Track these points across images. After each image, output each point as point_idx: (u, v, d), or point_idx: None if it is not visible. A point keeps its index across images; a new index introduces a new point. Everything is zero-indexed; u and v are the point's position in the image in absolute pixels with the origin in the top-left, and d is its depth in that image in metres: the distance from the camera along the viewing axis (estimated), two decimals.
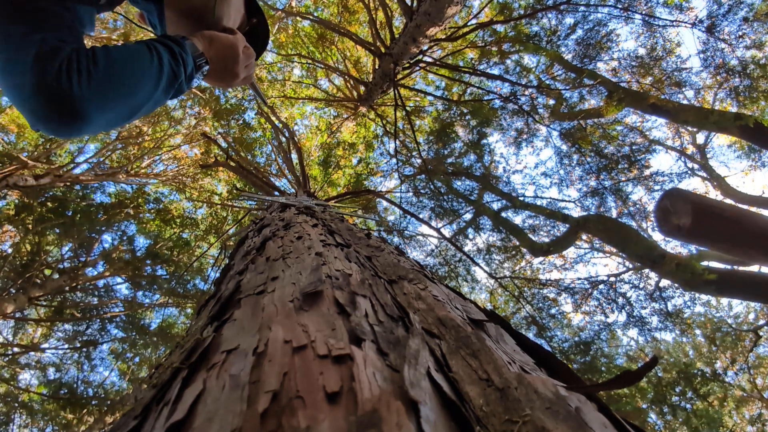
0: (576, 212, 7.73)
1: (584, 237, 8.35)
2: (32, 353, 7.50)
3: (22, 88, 0.58)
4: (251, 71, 1.00)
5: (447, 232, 8.23)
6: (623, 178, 7.21)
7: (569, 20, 6.66)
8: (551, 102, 7.49)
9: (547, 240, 7.84)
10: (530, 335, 7.13)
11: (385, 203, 8.75)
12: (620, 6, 6.05)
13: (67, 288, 7.50)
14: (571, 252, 8.56)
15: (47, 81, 0.56)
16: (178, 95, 0.78)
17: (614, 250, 7.93)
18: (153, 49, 0.69)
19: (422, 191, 8.10)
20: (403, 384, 0.48)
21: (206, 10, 0.94)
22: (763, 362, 9.12)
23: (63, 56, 0.59)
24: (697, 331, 8.82)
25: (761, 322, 8.47)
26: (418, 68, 5.93)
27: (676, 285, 6.49)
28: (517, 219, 8.17)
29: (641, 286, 7.36)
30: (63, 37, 0.63)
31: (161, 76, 0.69)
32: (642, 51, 7.08)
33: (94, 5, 0.75)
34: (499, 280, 7.59)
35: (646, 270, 7.26)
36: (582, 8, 6.20)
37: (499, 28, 6.92)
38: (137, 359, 8.14)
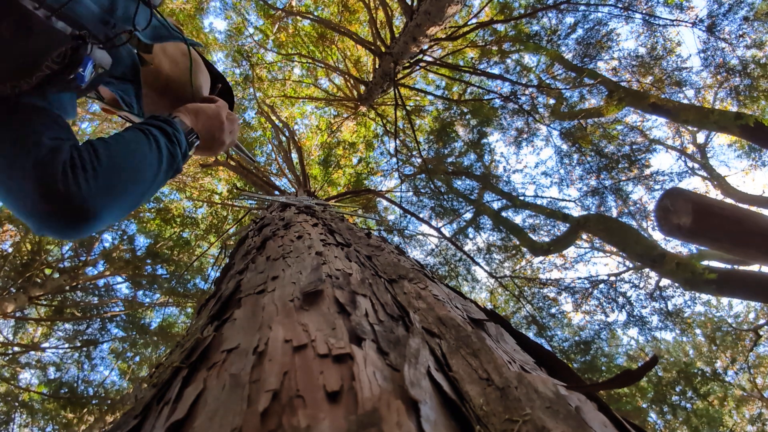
0: (576, 212, 7.73)
1: (584, 236, 8.35)
2: (32, 352, 7.51)
3: (25, 198, 0.55)
4: (235, 136, 1.00)
5: (447, 231, 8.24)
6: (623, 178, 7.20)
7: (569, 19, 6.67)
8: (551, 101, 7.49)
9: (547, 239, 7.84)
10: (530, 335, 7.12)
11: (385, 203, 8.76)
12: (620, 5, 6.05)
13: (67, 287, 7.51)
14: (571, 251, 8.57)
15: (52, 187, 0.54)
16: (176, 175, 0.77)
17: (614, 250, 7.93)
18: (149, 135, 0.69)
19: (422, 190, 8.10)
20: (404, 383, 0.48)
21: (184, 83, 0.94)
22: (764, 362, 9.12)
23: (64, 156, 0.57)
24: (698, 331, 8.82)
25: (761, 321, 8.47)
26: (418, 68, 5.93)
27: (677, 284, 6.49)
28: (518, 218, 8.17)
29: (641, 285, 7.36)
30: (57, 135, 0.61)
31: (161, 160, 0.69)
32: (642, 50, 7.07)
33: (74, 91, 0.73)
34: (499, 279, 7.59)
35: (647, 269, 7.26)
36: (582, 7, 6.19)
37: (500, 27, 6.92)
38: (137, 358, 8.15)
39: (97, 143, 0.62)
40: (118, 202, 0.61)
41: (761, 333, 7.84)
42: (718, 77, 6.45)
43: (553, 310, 7.57)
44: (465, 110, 7.63)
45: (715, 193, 9.18)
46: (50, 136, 0.60)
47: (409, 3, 4.60)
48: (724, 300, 8.90)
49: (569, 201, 7.85)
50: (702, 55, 6.29)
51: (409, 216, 7.83)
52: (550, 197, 8.11)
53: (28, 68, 0.59)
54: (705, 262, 6.20)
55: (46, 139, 0.59)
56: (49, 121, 0.64)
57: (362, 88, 6.54)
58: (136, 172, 0.64)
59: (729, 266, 6.18)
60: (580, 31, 6.67)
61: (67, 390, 7.12)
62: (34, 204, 0.55)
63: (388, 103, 7.64)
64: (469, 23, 6.01)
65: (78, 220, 0.56)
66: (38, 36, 0.58)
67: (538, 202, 8.10)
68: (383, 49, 5.37)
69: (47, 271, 7.41)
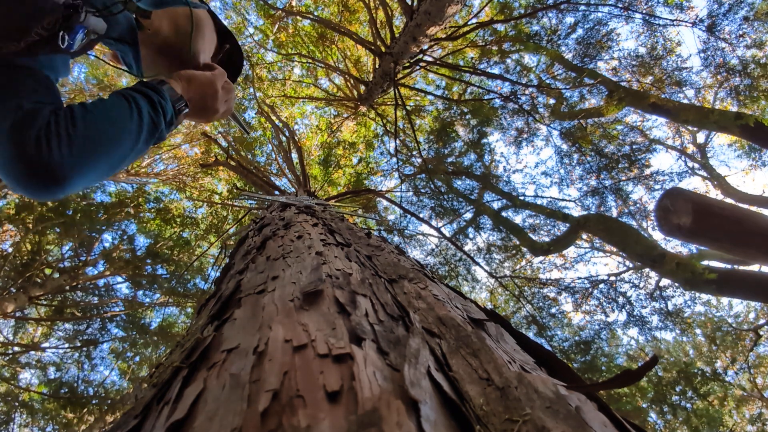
0: (576, 211, 7.73)
1: (584, 236, 8.35)
2: (33, 352, 7.51)
3: (1, 157, 0.57)
4: (231, 105, 1.00)
5: (447, 231, 8.24)
6: (623, 178, 7.20)
7: (570, 19, 6.66)
8: (551, 101, 7.49)
9: (547, 239, 7.84)
10: (530, 334, 7.13)
11: (385, 202, 8.76)
12: (620, 5, 6.05)
13: (67, 287, 7.51)
14: (571, 251, 8.56)
15: (26, 150, 0.55)
16: (159, 142, 0.77)
17: (614, 250, 7.93)
18: (132, 102, 0.68)
19: (422, 190, 8.10)
20: (404, 383, 0.48)
21: (182, 47, 0.94)
22: (764, 361, 9.12)
23: (41, 121, 0.58)
24: (698, 331, 8.82)
25: (761, 321, 8.47)
26: (418, 67, 5.93)
27: (677, 284, 6.49)
28: (518, 218, 8.17)
29: (641, 285, 7.36)
30: (39, 99, 0.62)
31: (141, 128, 0.68)
32: (642, 50, 7.07)
33: (67, 53, 0.73)
34: (499, 279, 7.59)
35: (647, 269, 7.26)
36: (582, 7, 6.19)
37: (500, 27, 6.92)
38: (138, 358, 8.15)
39: (77, 109, 0.63)
40: (92, 168, 0.62)
41: (761, 333, 7.84)
42: (718, 77, 6.45)
43: (553, 310, 7.58)
44: (465, 110, 7.63)
45: (715, 193, 9.19)
46: (32, 99, 0.61)
47: (409, 3, 4.60)
48: (724, 300, 8.90)
49: (569, 201, 7.85)
50: (702, 55, 6.29)
51: (409, 216, 7.83)
52: (550, 197, 8.11)
53: (16, 34, 0.60)
54: (705, 262, 6.20)
55: (26, 103, 0.60)
56: (33, 83, 0.65)
57: (362, 88, 6.53)
58: (113, 140, 0.64)
59: (729, 266, 6.18)
60: (580, 31, 6.67)
61: (67, 390, 7.12)
62: (8, 164, 0.57)
63: (388, 103, 7.64)
64: (469, 23, 6.01)
65: (49, 183, 0.58)
66: (29, 3, 0.59)
67: (538, 202, 8.10)
68: (383, 49, 5.37)
69: (47, 271, 7.41)
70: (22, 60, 0.65)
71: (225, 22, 1.12)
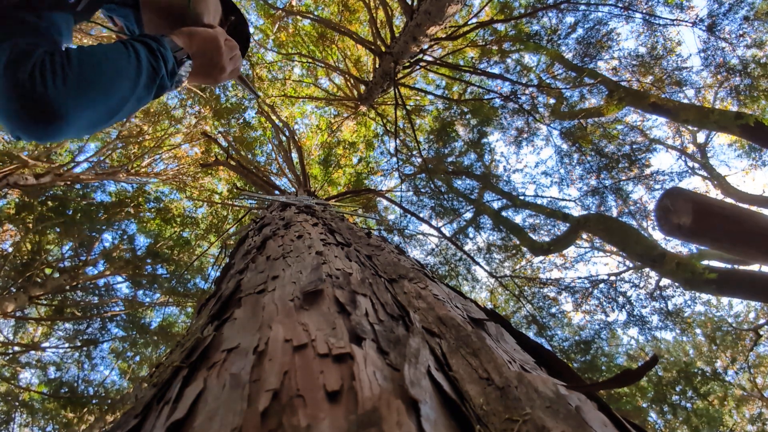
0: (576, 211, 7.74)
1: (584, 236, 8.35)
2: (33, 352, 7.51)
3: None
4: (237, 64, 0.98)
5: (447, 231, 8.24)
6: (624, 177, 7.20)
7: (570, 19, 6.67)
8: (552, 101, 7.49)
9: (547, 239, 7.84)
10: (530, 334, 7.13)
11: (385, 202, 8.76)
12: (621, 5, 6.05)
13: (67, 287, 7.51)
14: (571, 251, 8.57)
15: (20, 84, 0.55)
16: (162, 92, 0.76)
17: (614, 249, 7.93)
18: (129, 46, 0.68)
19: (422, 190, 8.10)
20: (404, 383, 0.48)
21: (183, 8, 0.93)
22: (764, 361, 9.12)
23: (35, 58, 0.57)
24: (698, 330, 8.82)
25: (761, 321, 8.47)
26: (418, 67, 5.93)
27: (677, 284, 6.49)
28: (518, 218, 8.18)
29: (641, 285, 7.36)
30: (35, 42, 0.62)
31: (140, 71, 0.67)
32: (642, 50, 7.07)
33: (70, 12, 0.73)
34: (499, 279, 7.59)
35: (647, 269, 7.26)
36: (582, 7, 6.19)
37: (500, 27, 6.92)
38: (138, 358, 8.15)
39: (72, 50, 0.62)
40: (88, 107, 0.61)
41: (761, 333, 7.84)
42: (719, 77, 6.45)
43: (553, 310, 7.58)
44: (465, 110, 7.63)
45: (715, 193, 9.19)
46: (29, 41, 0.61)
47: (409, 2, 4.60)
48: (724, 300, 8.91)
49: (569, 201, 7.85)
50: (702, 54, 6.30)
51: (409, 216, 7.83)
52: (550, 197, 8.10)
53: None
54: (705, 262, 6.20)
55: (23, 43, 0.59)
56: (32, 31, 0.64)
57: (362, 87, 6.53)
58: (109, 79, 0.63)
59: (729, 266, 6.18)
60: (580, 31, 6.68)
61: (67, 389, 7.12)
62: (4, 103, 0.56)
63: (389, 102, 7.64)
64: (469, 23, 6.00)
65: (45, 120, 0.57)
66: None
67: (538, 201, 8.10)
68: (383, 48, 5.37)
69: (47, 271, 7.41)
70: (25, 15, 0.64)
71: None
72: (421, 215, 7.92)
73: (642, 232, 6.83)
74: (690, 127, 8.58)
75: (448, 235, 7.88)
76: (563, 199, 7.87)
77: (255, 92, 1.26)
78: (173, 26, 0.93)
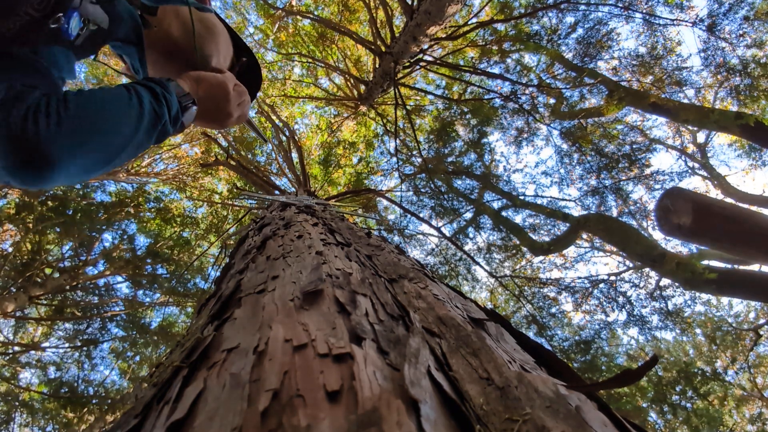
0: (576, 211, 7.74)
1: (584, 236, 8.35)
2: (33, 352, 7.51)
3: None
4: (245, 110, 0.96)
5: (447, 231, 8.24)
6: (624, 177, 7.20)
7: (570, 19, 6.67)
8: (552, 101, 7.49)
9: (547, 239, 7.84)
10: (530, 334, 7.13)
11: (385, 202, 8.76)
12: (621, 5, 6.05)
13: (67, 287, 7.51)
14: (571, 251, 8.57)
15: (12, 127, 0.52)
16: (163, 138, 0.74)
17: (614, 249, 7.93)
18: (132, 91, 0.66)
19: (423, 190, 8.10)
20: (404, 383, 0.48)
21: (190, 50, 0.90)
22: (764, 361, 9.12)
23: (31, 101, 0.55)
24: (698, 330, 8.82)
25: (761, 321, 8.47)
26: (418, 67, 5.93)
27: (677, 284, 6.50)
28: (518, 218, 8.18)
29: (641, 285, 7.37)
30: (32, 83, 0.60)
31: (141, 117, 0.65)
32: (642, 50, 7.07)
33: (69, 47, 0.71)
34: (499, 279, 7.59)
35: (647, 269, 7.26)
36: (582, 7, 6.19)
37: (500, 26, 6.92)
38: (138, 358, 8.15)
39: (70, 93, 0.60)
40: (82, 153, 0.59)
41: (761, 332, 7.85)
42: (719, 77, 6.45)
43: (553, 310, 7.58)
44: (465, 110, 7.63)
45: (715, 193, 9.19)
46: (25, 82, 0.59)
47: (410, 2, 4.60)
48: (724, 300, 8.91)
49: (569, 201, 7.85)
50: (702, 54, 6.30)
51: (409, 215, 7.83)
52: (550, 197, 8.10)
53: (4, 11, 0.58)
54: (705, 262, 6.20)
55: (18, 84, 0.57)
56: (31, 71, 0.63)
57: (362, 87, 6.54)
58: (107, 125, 0.61)
59: (729, 266, 6.18)
60: (580, 31, 6.68)
61: (67, 389, 7.12)
62: None
63: (389, 102, 7.64)
64: (469, 23, 6.01)
65: (36, 164, 0.55)
66: None
67: (538, 201, 8.10)
68: (383, 48, 5.37)
69: (47, 271, 7.41)
70: (23, 51, 0.63)
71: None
72: (421, 215, 7.92)
73: (642, 232, 6.83)
74: (690, 127, 8.58)
75: (448, 235, 7.88)
76: (563, 199, 7.88)
77: (262, 136, 1.23)
78: (179, 68, 0.91)
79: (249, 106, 0.99)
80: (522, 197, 8.03)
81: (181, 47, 0.91)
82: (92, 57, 0.85)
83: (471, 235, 8.19)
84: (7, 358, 7.31)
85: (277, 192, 6.13)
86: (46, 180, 0.57)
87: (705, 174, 9.30)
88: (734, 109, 6.36)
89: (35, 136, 0.53)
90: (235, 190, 8.31)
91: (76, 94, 0.61)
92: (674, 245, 7.21)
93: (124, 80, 0.85)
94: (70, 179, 0.61)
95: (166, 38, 0.89)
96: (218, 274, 1.76)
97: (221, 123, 0.91)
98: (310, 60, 7.55)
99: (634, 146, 7.26)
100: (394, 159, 7.28)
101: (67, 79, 0.73)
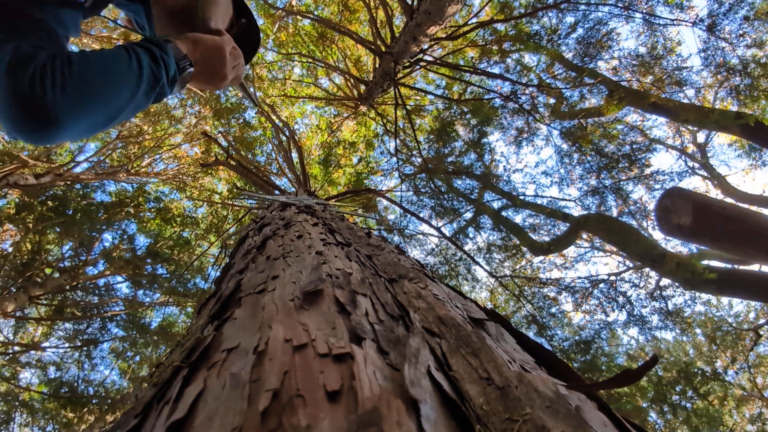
0: (576, 211, 7.74)
1: (585, 236, 8.35)
2: (33, 352, 7.51)
3: None
4: (239, 72, 0.98)
5: (447, 231, 8.24)
6: (624, 177, 7.20)
7: (570, 19, 6.66)
8: (552, 101, 7.49)
9: (547, 239, 7.84)
10: (530, 334, 7.13)
11: (385, 202, 8.76)
12: (621, 5, 6.05)
13: (67, 287, 7.51)
14: (571, 251, 8.57)
15: (20, 88, 0.55)
16: (161, 98, 0.76)
17: (615, 249, 7.93)
18: (132, 52, 0.68)
19: (423, 190, 8.10)
20: (404, 382, 0.48)
21: (192, 10, 0.92)
22: (764, 361, 9.12)
23: (38, 63, 0.57)
24: (698, 330, 8.82)
25: (762, 321, 8.47)
26: (418, 67, 5.93)
27: (677, 284, 6.49)
28: (518, 218, 8.18)
29: (641, 285, 7.37)
30: (39, 44, 0.62)
31: (141, 79, 0.68)
32: (642, 50, 7.07)
33: (78, 8, 0.73)
34: (499, 278, 7.59)
35: (647, 269, 7.26)
36: (582, 7, 6.19)
37: (500, 26, 6.92)
38: (138, 358, 8.15)
39: (74, 55, 0.62)
40: (86, 113, 0.61)
41: (761, 332, 7.85)
42: (719, 77, 6.45)
43: (553, 310, 7.58)
44: (465, 110, 7.63)
45: (715, 193, 9.19)
46: (33, 44, 0.61)
47: (410, 2, 4.59)
48: (724, 299, 8.91)
49: (569, 200, 7.85)
50: (702, 54, 6.29)
51: (409, 215, 7.83)
52: (550, 197, 8.10)
53: None
54: (705, 262, 6.20)
55: (26, 45, 0.60)
56: (37, 30, 0.65)
57: (362, 87, 6.53)
58: (109, 86, 0.63)
59: (729, 266, 6.18)
60: (580, 31, 6.67)
61: (67, 389, 7.12)
62: (3, 105, 0.57)
63: (389, 102, 7.64)
64: (469, 23, 6.00)
65: (41, 125, 0.58)
66: None
67: (539, 201, 8.10)
68: (383, 48, 5.37)
69: (47, 271, 7.41)
70: (30, 9, 0.65)
71: None
72: (421, 215, 7.92)
73: (642, 232, 6.83)
74: (690, 127, 8.58)
75: (448, 235, 7.88)
76: (563, 199, 7.87)
77: (254, 100, 1.25)
78: (181, 26, 0.93)
79: (243, 69, 1.01)
80: (522, 197, 8.03)
81: (182, 7, 0.92)
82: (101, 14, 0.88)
83: (471, 235, 8.19)
84: (7, 358, 7.31)
85: (277, 192, 6.13)
86: (52, 138, 0.60)
87: (705, 174, 9.31)
88: (734, 109, 6.35)
89: (42, 98, 0.56)
90: (235, 190, 8.31)
91: (80, 55, 0.63)
92: (674, 245, 7.21)
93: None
94: (74, 137, 0.64)
95: None
96: (218, 274, 1.76)
97: (216, 84, 0.93)
98: (310, 60, 7.55)
99: (634, 146, 7.26)
100: (394, 159, 7.28)
101: (72, 37, 0.76)
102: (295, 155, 6.94)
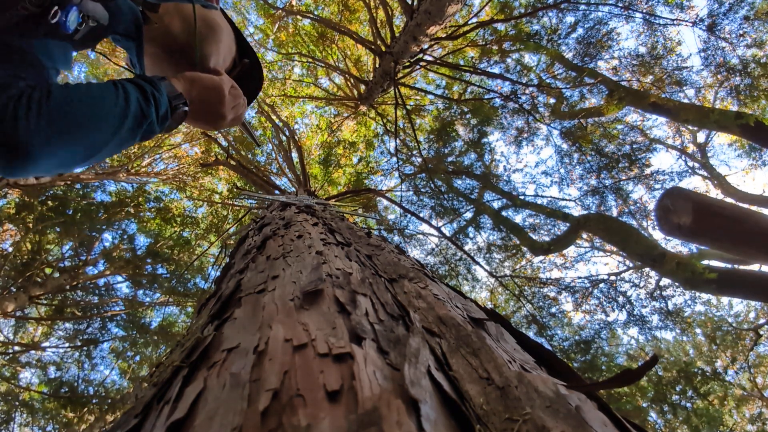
0: (576, 211, 7.74)
1: (585, 236, 8.35)
2: (33, 352, 7.51)
3: None
4: (240, 112, 0.95)
5: (447, 230, 8.24)
6: (624, 177, 7.20)
7: (570, 19, 6.66)
8: (552, 101, 7.49)
9: (547, 239, 7.84)
10: (530, 334, 7.14)
11: (385, 202, 8.76)
12: (621, 5, 6.04)
13: (67, 287, 7.51)
14: (571, 251, 8.57)
15: None
16: (149, 136, 0.73)
17: (615, 249, 7.93)
18: (120, 88, 0.65)
19: (423, 190, 8.10)
20: (404, 382, 0.48)
21: (190, 47, 0.90)
22: (764, 361, 9.12)
23: (12, 92, 0.55)
24: (698, 330, 8.82)
25: (762, 320, 8.47)
26: (418, 67, 5.93)
27: (677, 284, 6.50)
28: (518, 218, 8.18)
29: (641, 284, 7.37)
30: (19, 74, 0.60)
31: (126, 115, 0.65)
32: (642, 50, 7.07)
33: (67, 40, 0.71)
34: (499, 278, 7.59)
35: (647, 269, 7.26)
36: (583, 7, 6.19)
37: (500, 26, 6.91)
38: (138, 358, 8.15)
39: (55, 86, 0.60)
40: (60, 147, 0.58)
41: (761, 332, 7.85)
42: (719, 76, 6.44)
43: (553, 310, 7.58)
44: (465, 109, 7.63)
45: (715, 193, 9.19)
46: (12, 74, 0.59)
47: (410, 2, 4.59)
48: (724, 299, 8.90)
49: (569, 200, 7.85)
50: (702, 54, 6.29)
51: (409, 215, 7.83)
52: (551, 197, 8.10)
53: (1, 5, 0.58)
54: (705, 262, 6.20)
55: (3, 75, 0.58)
56: (19, 61, 0.63)
57: (362, 87, 6.54)
58: (88, 120, 0.60)
59: (729, 266, 6.18)
60: (580, 31, 6.67)
61: (67, 389, 7.13)
62: None
63: (389, 102, 7.64)
64: (469, 22, 6.00)
65: (9, 154, 0.54)
66: None
67: (539, 201, 8.10)
68: (383, 48, 5.37)
69: (47, 271, 7.41)
70: (12, 39, 0.62)
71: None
72: (421, 215, 7.92)
73: (642, 231, 6.83)
74: (690, 127, 8.58)
75: (448, 234, 7.88)
76: (563, 199, 7.87)
77: (256, 141, 1.22)
78: (177, 65, 0.91)
79: (245, 110, 0.98)
80: (522, 197, 8.03)
81: (180, 44, 0.90)
82: (91, 51, 0.85)
83: (471, 235, 8.19)
84: (7, 357, 7.31)
85: (277, 192, 6.14)
86: (20, 169, 0.57)
87: (705, 174, 9.31)
88: (734, 108, 6.35)
89: (13, 127, 0.53)
90: (235, 190, 8.31)
91: (62, 87, 0.60)
92: (674, 245, 7.22)
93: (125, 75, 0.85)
94: (48, 171, 0.61)
95: (166, 35, 0.89)
96: (218, 273, 1.76)
97: (213, 125, 0.90)
98: (310, 60, 7.55)
99: (634, 146, 7.26)
100: (394, 159, 7.28)
101: (62, 70, 0.73)
102: (295, 155, 6.95)
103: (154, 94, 0.70)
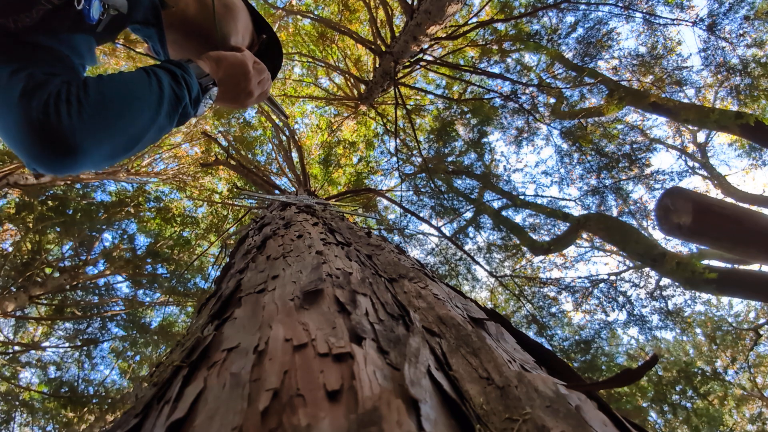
0: (576, 211, 7.73)
1: (585, 235, 8.35)
2: (33, 351, 7.51)
3: (10, 128, 0.55)
4: (266, 87, 0.95)
5: (447, 230, 8.24)
6: (624, 177, 7.20)
7: (570, 18, 6.65)
8: (552, 100, 7.49)
9: (547, 238, 7.84)
10: (530, 334, 7.14)
11: (385, 202, 8.75)
12: (621, 4, 6.04)
13: (67, 286, 7.51)
14: (571, 250, 8.57)
15: (33, 116, 0.53)
16: (185, 120, 0.74)
17: (615, 249, 7.93)
18: (152, 74, 0.66)
19: (423, 190, 8.10)
20: (404, 382, 0.48)
21: (210, 29, 0.90)
22: (764, 361, 9.12)
23: (51, 89, 0.55)
24: (698, 330, 8.82)
25: (762, 320, 8.47)
26: (418, 67, 5.93)
27: (677, 284, 6.50)
28: (518, 218, 8.18)
29: (642, 284, 7.36)
30: (53, 71, 0.60)
31: (162, 100, 0.65)
32: (643, 49, 7.06)
33: (90, 33, 0.71)
34: (499, 278, 7.59)
35: (647, 269, 7.26)
36: (583, 6, 6.19)
37: (500, 26, 6.91)
38: (138, 358, 8.15)
39: (90, 79, 0.60)
40: (105, 139, 0.59)
41: (761, 332, 7.85)
42: (719, 76, 6.44)
43: (553, 310, 7.58)
44: (465, 109, 7.62)
45: (715, 193, 9.19)
46: (45, 71, 0.59)
47: (410, 2, 4.59)
48: (725, 299, 8.90)
49: (569, 200, 7.85)
50: (702, 54, 6.29)
51: (409, 215, 7.83)
52: (551, 196, 8.11)
53: (25, 2, 0.59)
54: (705, 262, 6.20)
55: (39, 73, 0.58)
56: (50, 58, 0.63)
57: (362, 87, 6.53)
58: (128, 110, 0.61)
59: (729, 265, 6.18)
60: (580, 30, 6.67)
61: (67, 389, 7.13)
62: (18, 134, 0.54)
63: (389, 102, 7.64)
64: (469, 22, 6.00)
65: (59, 153, 0.55)
66: None
67: (539, 201, 8.10)
68: (383, 48, 5.36)
69: (48, 270, 7.41)
70: (41, 38, 0.63)
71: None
72: (421, 215, 7.92)
73: (642, 231, 6.83)
74: (690, 127, 8.58)
75: (448, 234, 7.88)
76: (563, 199, 7.87)
77: (284, 113, 1.22)
78: (199, 47, 0.91)
79: (270, 84, 0.98)
80: (522, 197, 8.03)
81: (199, 26, 0.91)
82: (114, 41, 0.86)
83: (471, 235, 8.19)
84: (8, 357, 7.31)
85: (277, 191, 6.14)
86: (71, 166, 0.57)
87: (705, 174, 9.31)
88: (734, 108, 6.35)
89: (57, 125, 0.53)
90: (235, 190, 8.31)
91: (96, 79, 0.61)
92: (674, 245, 7.21)
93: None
94: (96, 165, 0.61)
95: (184, 18, 0.89)
96: (218, 273, 1.76)
97: (243, 102, 0.91)
98: (310, 59, 7.55)
99: (634, 146, 7.26)
100: (394, 159, 7.28)
101: (88, 65, 0.74)
102: (295, 155, 6.95)
103: (185, 77, 0.71)
